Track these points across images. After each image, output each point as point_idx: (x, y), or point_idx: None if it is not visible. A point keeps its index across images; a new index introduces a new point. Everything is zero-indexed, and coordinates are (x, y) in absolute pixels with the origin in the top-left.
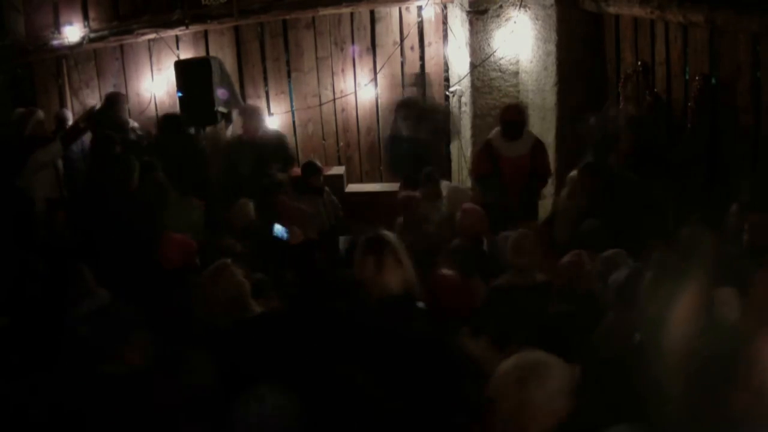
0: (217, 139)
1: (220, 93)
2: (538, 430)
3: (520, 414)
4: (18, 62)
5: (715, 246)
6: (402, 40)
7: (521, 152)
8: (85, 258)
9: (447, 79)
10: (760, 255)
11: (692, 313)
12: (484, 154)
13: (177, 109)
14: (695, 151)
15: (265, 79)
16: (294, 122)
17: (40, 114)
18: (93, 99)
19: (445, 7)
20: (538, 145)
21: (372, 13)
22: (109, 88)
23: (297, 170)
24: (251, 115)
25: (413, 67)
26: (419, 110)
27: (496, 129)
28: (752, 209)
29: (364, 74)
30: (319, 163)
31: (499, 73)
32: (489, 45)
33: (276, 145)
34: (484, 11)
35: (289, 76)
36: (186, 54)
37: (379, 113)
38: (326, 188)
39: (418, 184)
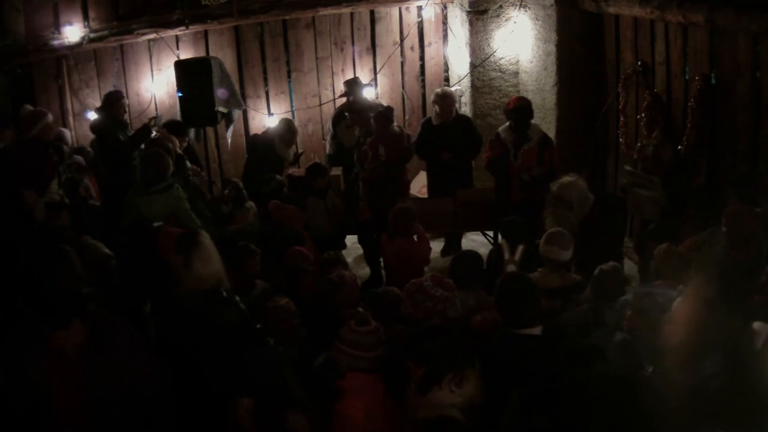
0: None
1: (220, 93)
2: None
3: None
4: (18, 62)
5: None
6: (402, 40)
7: (529, 145)
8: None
9: (447, 79)
10: (737, 245)
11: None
12: (495, 142)
13: (177, 109)
14: (695, 151)
15: (265, 79)
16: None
17: (50, 117)
18: (93, 99)
19: (445, 7)
20: (546, 141)
21: (372, 13)
22: (109, 88)
23: (300, 171)
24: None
25: (413, 67)
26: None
27: (506, 124)
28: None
29: (364, 74)
30: (324, 165)
31: (499, 73)
32: (489, 45)
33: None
34: (484, 11)
35: (289, 76)
36: (186, 54)
37: None
38: (329, 190)
39: None
